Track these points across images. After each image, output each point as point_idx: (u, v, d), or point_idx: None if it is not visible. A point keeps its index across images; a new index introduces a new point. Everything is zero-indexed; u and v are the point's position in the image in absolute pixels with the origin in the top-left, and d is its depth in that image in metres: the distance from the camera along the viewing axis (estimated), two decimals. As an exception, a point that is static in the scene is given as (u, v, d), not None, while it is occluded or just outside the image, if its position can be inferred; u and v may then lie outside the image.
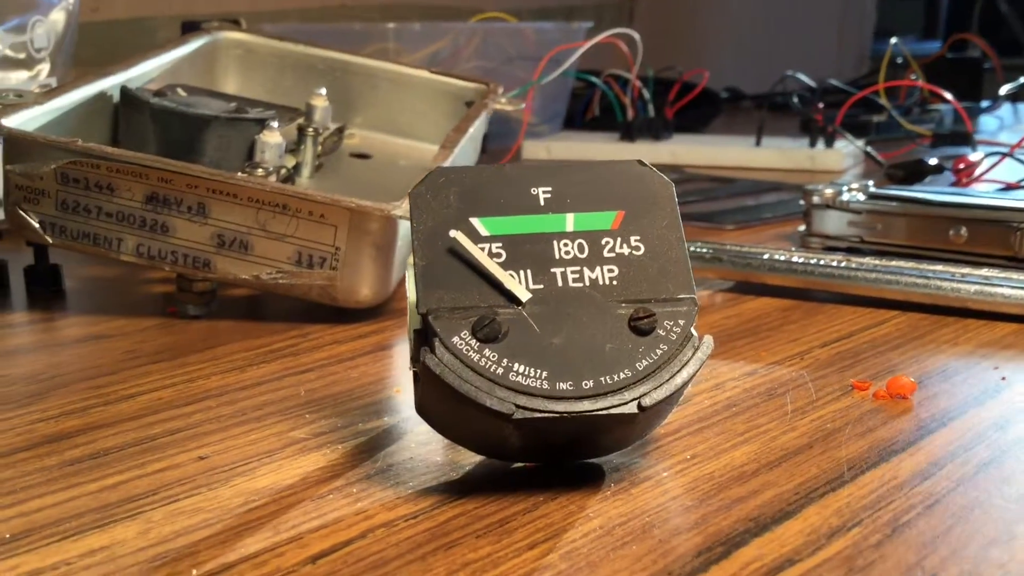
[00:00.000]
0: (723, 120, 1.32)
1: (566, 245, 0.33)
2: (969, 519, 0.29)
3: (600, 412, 0.30)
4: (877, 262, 0.52)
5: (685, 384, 0.31)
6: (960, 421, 0.36)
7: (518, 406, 0.30)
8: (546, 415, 0.30)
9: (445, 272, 0.32)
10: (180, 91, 0.60)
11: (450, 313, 0.31)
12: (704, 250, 0.55)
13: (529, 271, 0.32)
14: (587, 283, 0.32)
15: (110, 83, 0.57)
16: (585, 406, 0.30)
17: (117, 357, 0.44)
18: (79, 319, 0.51)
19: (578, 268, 0.32)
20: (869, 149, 0.96)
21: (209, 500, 0.31)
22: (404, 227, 0.48)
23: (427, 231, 0.32)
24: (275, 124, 0.55)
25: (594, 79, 1.07)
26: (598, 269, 0.32)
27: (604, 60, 1.17)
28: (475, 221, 0.33)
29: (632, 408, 0.30)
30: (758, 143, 1.01)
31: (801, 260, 0.53)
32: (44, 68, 0.74)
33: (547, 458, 0.33)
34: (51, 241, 0.48)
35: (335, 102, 0.69)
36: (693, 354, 0.31)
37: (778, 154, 0.99)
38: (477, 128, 0.63)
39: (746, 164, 1.00)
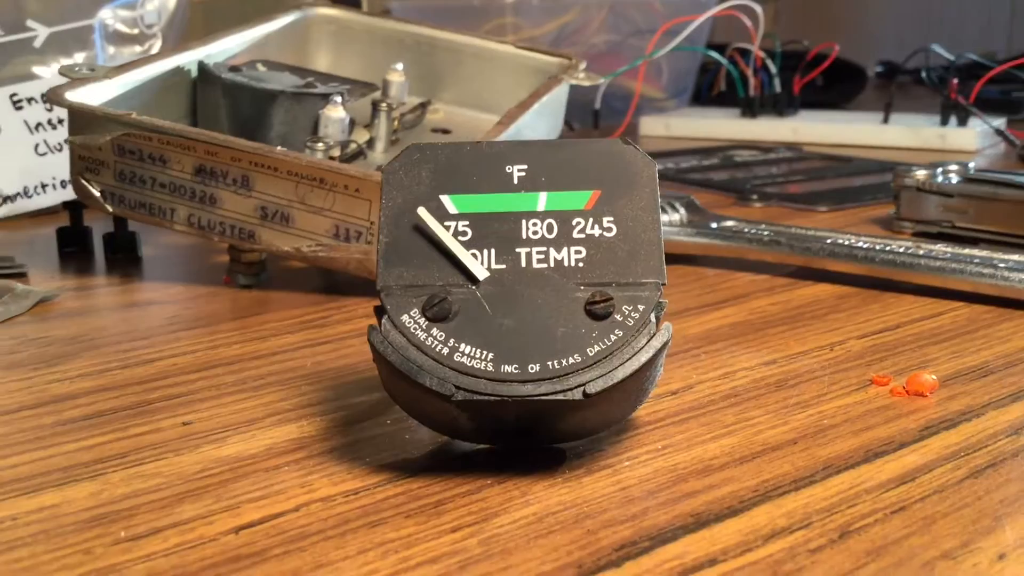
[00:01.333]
0: (873, 95, 1.26)
1: (535, 225, 0.32)
2: (929, 530, 0.27)
3: (542, 397, 0.29)
4: (948, 249, 0.49)
5: (637, 373, 0.29)
6: (972, 424, 0.34)
7: (459, 387, 0.29)
8: (487, 398, 0.29)
9: (408, 250, 0.32)
10: (260, 66, 0.62)
11: (404, 291, 0.31)
12: (765, 233, 0.53)
13: (493, 250, 0.32)
14: (552, 264, 0.31)
15: (188, 58, 0.59)
16: (528, 390, 0.29)
17: (156, 323, 0.46)
18: (142, 285, 0.53)
19: (544, 249, 0.32)
20: (1001, 128, 0.90)
21: (171, 466, 0.32)
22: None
23: (396, 208, 0.32)
24: (338, 99, 0.56)
25: (713, 53, 1.04)
26: (565, 250, 0.32)
27: (737, 33, 1.13)
28: (445, 198, 0.32)
29: (577, 395, 0.29)
30: (885, 120, 0.97)
31: (864, 246, 0.50)
32: (155, 44, 0.78)
33: (504, 441, 0.32)
34: (111, 210, 0.51)
35: (422, 77, 0.70)
36: (647, 342, 0.30)
37: (907, 132, 0.94)
38: (549, 103, 0.62)
39: (872, 143, 0.95)
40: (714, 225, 0.54)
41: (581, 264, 0.31)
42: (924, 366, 0.39)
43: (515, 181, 0.33)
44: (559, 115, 0.67)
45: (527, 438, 0.32)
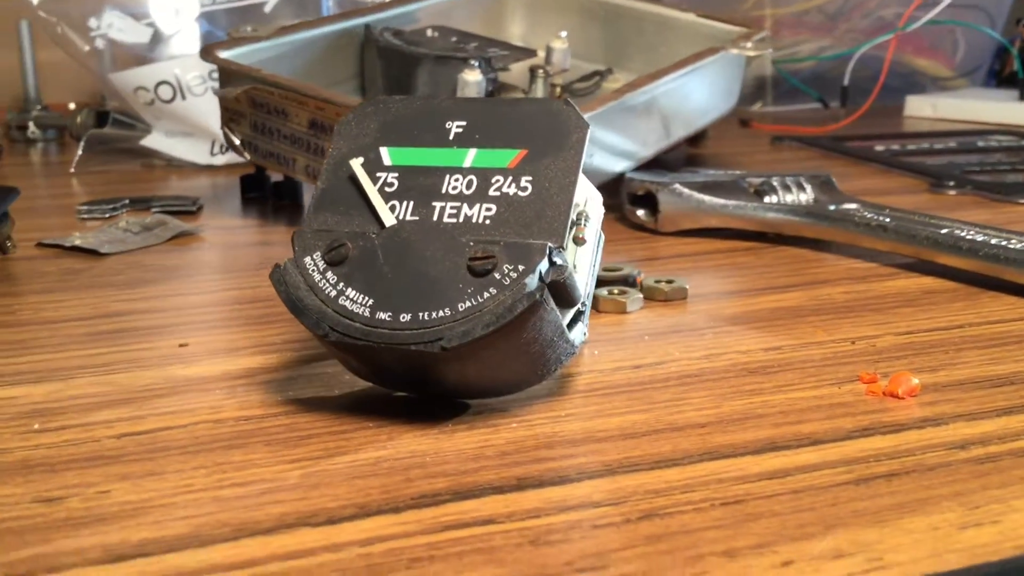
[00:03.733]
0: None
1: (457, 180, 0.32)
2: (739, 526, 0.25)
3: (402, 346, 0.30)
4: (1076, 249, 0.42)
5: (504, 333, 0.29)
6: (920, 432, 0.30)
7: (333, 329, 0.30)
8: (356, 341, 0.30)
9: (338, 197, 0.33)
10: (429, 31, 0.65)
11: (315, 235, 0.32)
12: (874, 218, 0.48)
13: (412, 203, 0.32)
14: (461, 220, 0.32)
15: (357, 22, 0.63)
16: (392, 337, 0.30)
17: (246, 263, 0.50)
18: (281, 228, 0.58)
19: (458, 204, 0.32)
20: None
21: (132, 379, 0.35)
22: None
23: (338, 157, 0.34)
24: (475, 63, 0.58)
25: (990, 32, 0.94)
26: (477, 207, 0.32)
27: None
28: (383, 150, 0.33)
29: (435, 348, 0.29)
30: None
31: (974, 237, 0.45)
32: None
33: (399, 387, 0.33)
34: (248, 158, 0.56)
35: (608, 46, 0.70)
36: (513, 303, 0.29)
37: None
38: (708, 71, 0.60)
39: None
40: (832, 207, 0.51)
41: (488, 221, 0.31)
42: (939, 370, 0.35)
43: (451, 137, 0.33)
44: (727, 85, 0.64)
45: (420, 387, 0.32)
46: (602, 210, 0.35)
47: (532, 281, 0.30)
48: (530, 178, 0.32)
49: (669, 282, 0.43)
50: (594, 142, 0.54)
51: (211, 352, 0.38)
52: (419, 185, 0.33)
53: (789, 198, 0.53)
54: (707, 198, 0.52)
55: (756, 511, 0.26)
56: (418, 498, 0.27)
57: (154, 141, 0.76)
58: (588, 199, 0.34)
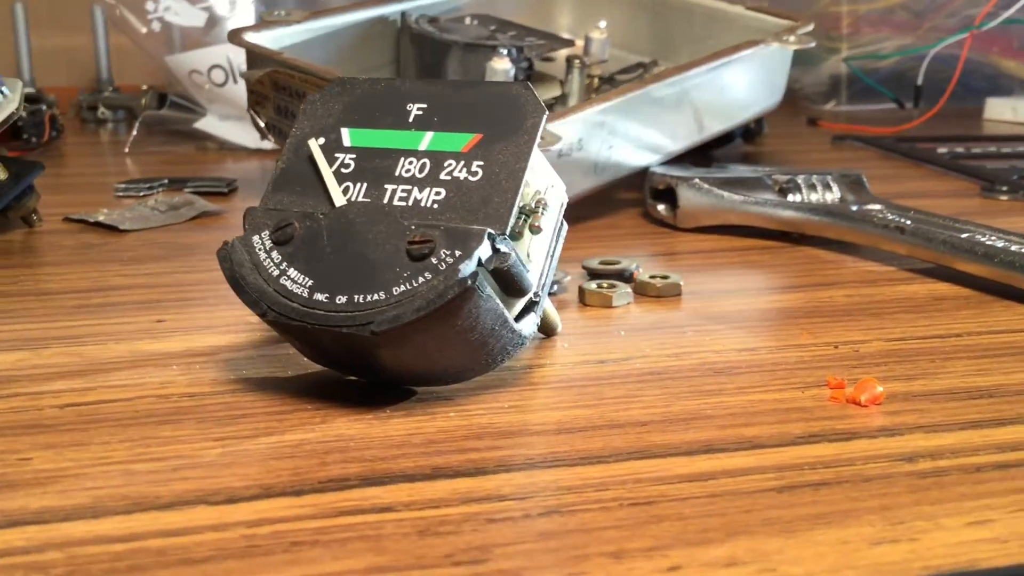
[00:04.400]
0: None
1: (411, 163, 0.32)
2: (638, 528, 0.24)
3: (336, 328, 0.29)
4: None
5: (436, 320, 0.29)
6: (870, 441, 0.29)
7: (271, 308, 0.30)
8: (291, 321, 0.30)
9: (296, 177, 0.33)
10: (468, 19, 0.64)
11: (266, 213, 0.32)
12: (892, 218, 0.46)
13: (365, 185, 0.32)
14: (411, 203, 0.31)
15: (393, 9, 0.63)
16: (326, 320, 0.29)
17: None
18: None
19: (409, 187, 0.31)
20: None
21: (98, 351, 0.36)
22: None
23: (300, 137, 0.34)
24: (504, 52, 0.57)
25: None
26: (427, 191, 0.31)
27: None
28: (344, 131, 0.33)
29: (365, 331, 0.29)
30: None
31: (991, 243, 0.42)
32: None
33: (343, 370, 0.32)
34: (273, 141, 0.56)
35: (655, 38, 0.69)
36: (444, 288, 0.29)
37: None
38: (747, 64, 0.58)
39: None
40: (854, 208, 0.49)
41: (435, 205, 0.31)
42: (917, 378, 0.33)
43: (410, 119, 0.33)
44: (769, 79, 0.62)
45: (363, 371, 0.32)
46: (564, 199, 0.34)
47: (467, 267, 0.29)
48: (481, 163, 0.31)
49: (664, 278, 0.42)
50: (614, 134, 0.53)
51: (184, 329, 0.38)
52: (374, 167, 0.32)
53: (814, 197, 0.51)
54: (726, 194, 0.51)
55: (663, 513, 0.25)
56: (325, 482, 0.26)
57: (208, 124, 0.77)
58: (550, 187, 0.33)
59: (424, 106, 0.33)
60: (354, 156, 0.33)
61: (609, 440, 0.29)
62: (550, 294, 0.42)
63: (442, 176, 0.31)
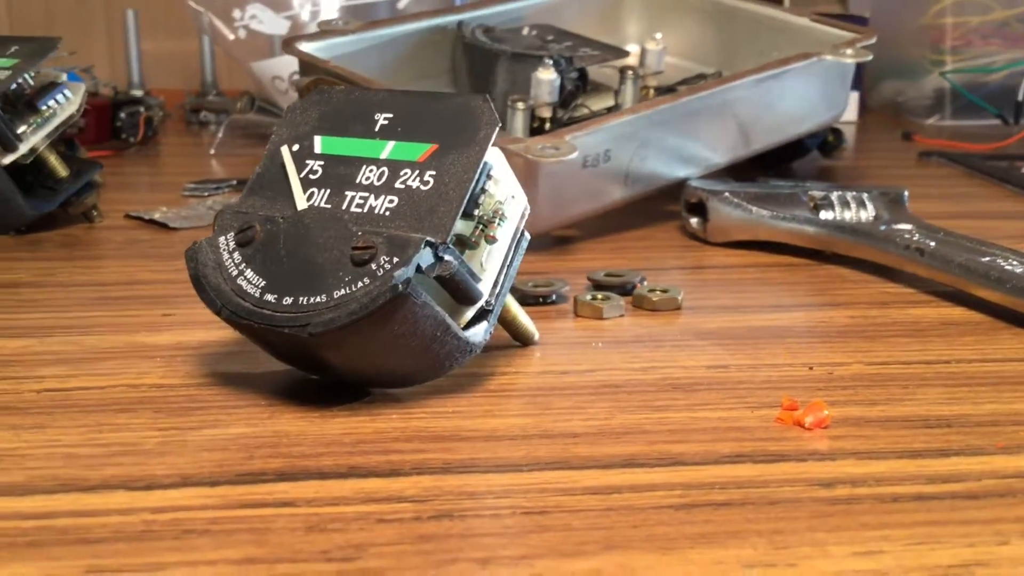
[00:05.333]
0: None
1: (371, 171, 0.33)
2: (478, 540, 0.24)
3: (279, 328, 0.30)
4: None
5: (372, 323, 0.29)
6: (787, 465, 0.28)
7: (224, 306, 0.31)
8: (241, 320, 0.31)
9: (269, 182, 0.34)
10: (525, 30, 0.65)
11: (234, 216, 0.33)
12: (916, 238, 0.45)
13: (328, 191, 0.33)
14: (366, 210, 0.32)
15: (450, 19, 0.64)
16: (271, 320, 0.31)
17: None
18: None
19: (367, 195, 0.32)
20: None
21: (97, 341, 0.38)
22: (550, 167, 0.48)
23: (277, 143, 0.35)
24: (550, 62, 0.58)
25: None
26: (382, 198, 0.32)
27: None
28: (317, 139, 0.34)
29: (303, 332, 0.30)
30: None
31: (1017, 270, 0.41)
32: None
33: (300, 367, 0.34)
34: (321, 145, 0.58)
35: (722, 48, 0.68)
36: (377, 294, 0.29)
37: None
38: (803, 76, 0.57)
39: None
40: (882, 227, 0.47)
41: (387, 213, 0.32)
42: (881, 404, 0.32)
43: (376, 128, 0.34)
44: (826, 92, 0.61)
45: (318, 371, 0.33)
46: (525, 209, 0.34)
47: (401, 274, 0.30)
48: (434, 172, 0.32)
49: (664, 291, 0.42)
50: (647, 145, 0.53)
51: (184, 324, 0.40)
52: (339, 174, 0.33)
53: (847, 215, 0.50)
54: (755, 209, 0.50)
55: (551, 524, 0.25)
56: (243, 475, 0.28)
57: (290, 127, 0.80)
58: (510, 198, 0.33)
59: (391, 116, 0.34)
60: (323, 163, 0.34)
61: (533, 450, 0.29)
62: (548, 303, 0.42)
63: (397, 184, 0.32)
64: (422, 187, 0.32)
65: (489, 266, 0.33)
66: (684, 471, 0.28)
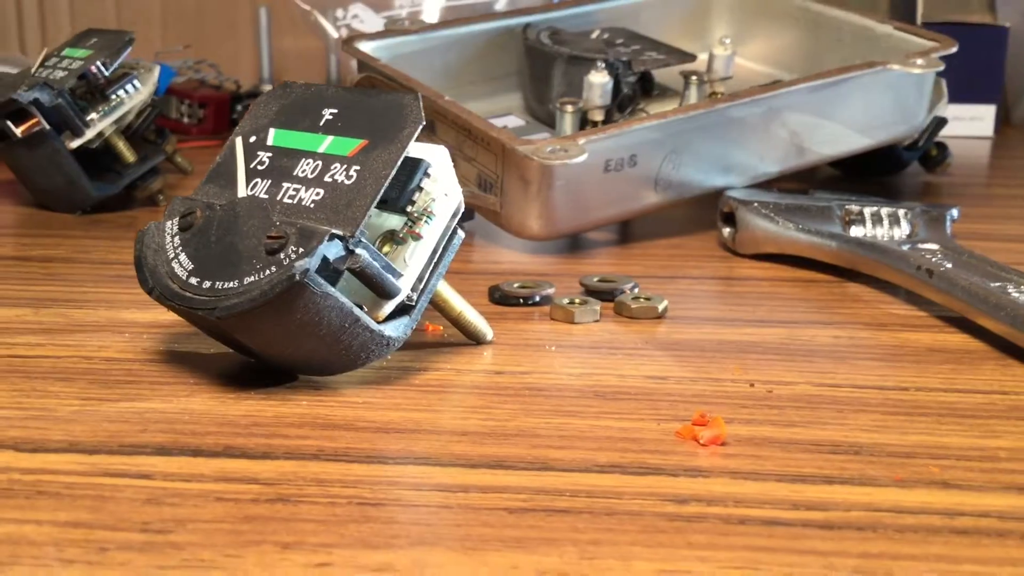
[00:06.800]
0: None
1: (308, 164, 0.34)
2: (287, 524, 0.24)
3: (193, 310, 0.32)
4: None
5: (273, 309, 0.30)
6: (655, 478, 0.27)
7: (155, 287, 0.33)
8: (166, 301, 0.32)
9: (225, 171, 0.36)
10: (595, 33, 0.64)
11: (182, 202, 0.35)
12: (932, 259, 0.42)
13: (270, 182, 0.34)
14: (296, 201, 0.33)
15: (518, 21, 0.64)
16: (189, 302, 0.32)
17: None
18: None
19: (299, 187, 0.33)
20: None
21: (84, 315, 0.40)
22: (562, 169, 0.47)
23: (237, 133, 0.36)
24: (602, 65, 0.57)
25: None
26: (311, 191, 0.33)
27: None
28: (272, 131, 0.36)
29: (211, 316, 0.31)
30: None
31: (1020, 300, 0.38)
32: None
33: (234, 349, 0.34)
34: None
35: (806, 54, 0.66)
36: (277, 282, 0.30)
37: None
38: (865, 85, 0.55)
39: None
40: (906, 247, 0.45)
41: (311, 205, 0.32)
42: (802, 426, 0.31)
43: (321, 123, 0.35)
44: (896, 104, 0.57)
45: (246, 353, 0.34)
46: (458, 209, 0.34)
47: (302, 264, 0.30)
48: (358, 167, 0.33)
49: (647, 299, 0.41)
50: (680, 152, 0.52)
51: (175, 304, 0.42)
52: (281, 166, 0.34)
53: (879, 231, 0.47)
54: (781, 221, 0.48)
55: (375, 515, 0.25)
56: (126, 446, 0.29)
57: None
58: (442, 196, 0.34)
59: (335, 111, 0.35)
60: (271, 155, 0.35)
61: (410, 444, 0.29)
62: (532, 304, 0.42)
63: (325, 178, 0.33)
64: (346, 181, 0.33)
65: (412, 262, 0.33)
66: (546, 476, 0.28)
